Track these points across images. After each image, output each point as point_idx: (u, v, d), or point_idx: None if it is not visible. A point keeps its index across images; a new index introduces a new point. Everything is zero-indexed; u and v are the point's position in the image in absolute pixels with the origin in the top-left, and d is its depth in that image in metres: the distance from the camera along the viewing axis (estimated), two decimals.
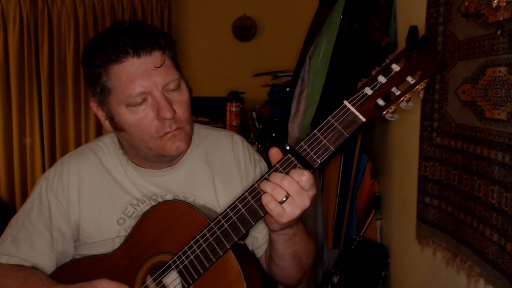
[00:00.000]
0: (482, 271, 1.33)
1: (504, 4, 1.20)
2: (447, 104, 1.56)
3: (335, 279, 2.28)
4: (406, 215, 2.02)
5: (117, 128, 1.17)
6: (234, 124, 3.33)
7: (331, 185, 2.54)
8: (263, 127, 3.10)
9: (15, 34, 4.29)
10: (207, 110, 4.02)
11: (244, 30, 4.50)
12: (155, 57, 1.11)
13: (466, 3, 1.41)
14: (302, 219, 1.14)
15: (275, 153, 0.98)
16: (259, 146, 2.97)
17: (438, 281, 1.73)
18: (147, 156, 1.20)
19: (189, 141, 1.19)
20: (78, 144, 4.32)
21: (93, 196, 1.24)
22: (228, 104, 3.36)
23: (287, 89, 2.83)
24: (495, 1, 1.23)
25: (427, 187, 1.70)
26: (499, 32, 1.22)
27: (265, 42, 4.48)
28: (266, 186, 0.96)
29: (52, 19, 4.33)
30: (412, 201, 1.85)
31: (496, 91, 1.26)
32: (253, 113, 3.28)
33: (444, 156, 1.58)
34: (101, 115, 1.20)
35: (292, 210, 0.95)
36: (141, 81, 1.09)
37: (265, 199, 0.95)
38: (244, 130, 3.37)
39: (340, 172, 2.51)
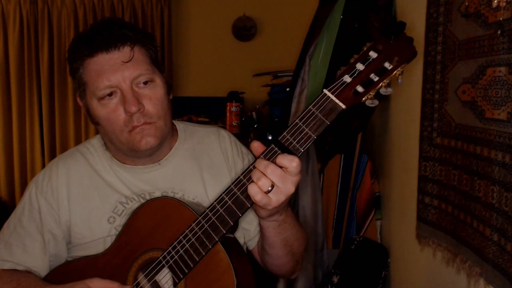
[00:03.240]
0: (482, 271, 1.33)
1: (504, 4, 1.20)
2: (447, 104, 1.56)
3: (335, 279, 2.28)
4: (406, 215, 2.02)
5: (93, 121, 1.21)
6: (234, 124, 3.33)
7: (331, 185, 2.54)
8: (261, 126, 3.10)
9: (15, 34, 4.29)
10: (207, 110, 4.03)
11: (244, 30, 4.50)
12: (124, 53, 1.14)
13: (466, 3, 1.41)
14: (292, 208, 1.15)
15: (257, 147, 0.99)
16: None
17: (438, 281, 1.73)
18: (123, 151, 1.22)
19: (160, 137, 1.19)
20: (78, 144, 4.31)
21: (82, 197, 1.25)
22: (228, 104, 3.37)
23: (287, 89, 2.82)
24: (495, 1, 1.23)
25: (427, 187, 1.70)
26: (499, 32, 1.23)
27: (265, 42, 4.48)
28: (252, 175, 0.97)
29: (52, 19, 4.32)
30: (412, 201, 1.85)
31: (496, 91, 1.26)
32: (253, 113, 3.28)
33: (444, 156, 1.58)
34: (83, 108, 1.23)
35: (277, 197, 0.96)
36: (108, 75, 1.13)
37: (252, 191, 0.95)
38: (244, 130, 3.37)
39: (340, 172, 2.51)
